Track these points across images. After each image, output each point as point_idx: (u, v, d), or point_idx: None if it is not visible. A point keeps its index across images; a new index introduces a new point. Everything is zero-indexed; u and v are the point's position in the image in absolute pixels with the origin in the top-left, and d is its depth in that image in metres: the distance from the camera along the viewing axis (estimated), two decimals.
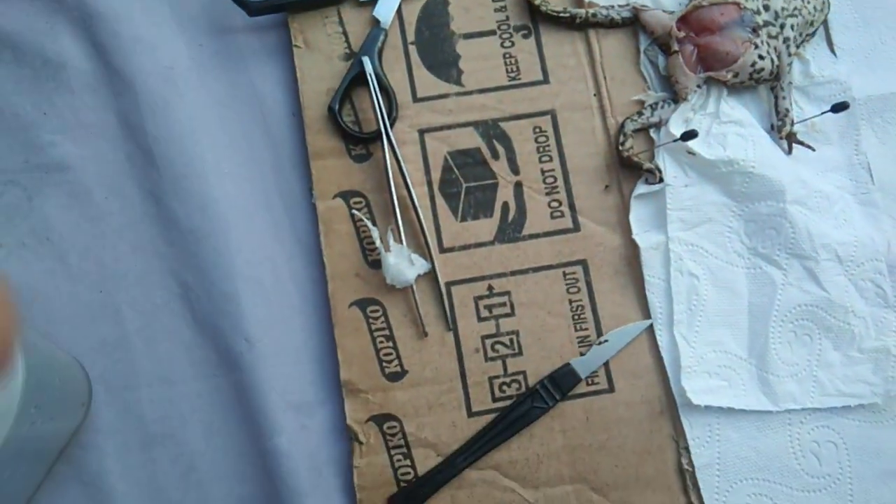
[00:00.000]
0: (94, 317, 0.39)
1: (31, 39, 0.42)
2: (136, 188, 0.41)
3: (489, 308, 0.41)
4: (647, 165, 0.42)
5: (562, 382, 0.40)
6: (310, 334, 0.40)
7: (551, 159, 0.43)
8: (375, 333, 0.40)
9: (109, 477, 0.38)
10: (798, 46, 0.44)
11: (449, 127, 0.43)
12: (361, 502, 0.38)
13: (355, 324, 0.40)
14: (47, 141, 0.41)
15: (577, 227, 0.42)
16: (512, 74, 0.44)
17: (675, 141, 0.41)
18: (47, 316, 0.39)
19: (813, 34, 0.44)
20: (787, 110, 0.43)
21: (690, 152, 0.41)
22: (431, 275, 0.41)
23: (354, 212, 0.41)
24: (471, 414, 0.40)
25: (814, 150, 0.43)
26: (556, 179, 0.43)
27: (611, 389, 0.40)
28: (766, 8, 0.42)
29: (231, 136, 0.43)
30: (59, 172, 0.41)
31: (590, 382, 0.40)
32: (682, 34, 0.43)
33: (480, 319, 0.41)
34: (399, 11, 0.44)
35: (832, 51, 0.45)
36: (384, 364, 0.40)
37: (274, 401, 0.38)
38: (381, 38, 0.43)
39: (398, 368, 0.40)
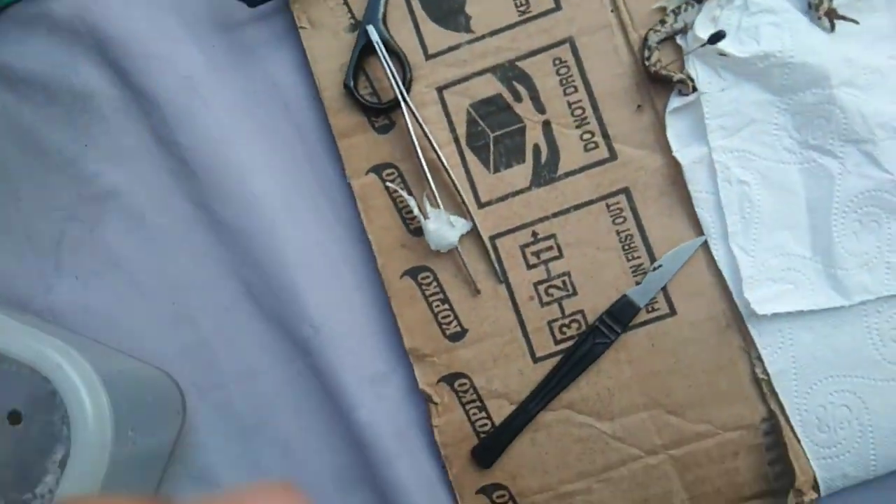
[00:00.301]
0: (172, 327, 0.42)
1: (58, 75, 0.44)
2: (184, 200, 0.43)
3: (537, 254, 0.41)
4: (677, 76, 0.40)
5: (621, 315, 0.40)
6: (369, 309, 0.42)
7: (576, 90, 0.41)
8: (431, 299, 0.41)
9: (216, 468, 0.41)
10: None
11: (466, 78, 0.42)
12: (447, 458, 0.41)
13: (409, 293, 0.41)
14: (93, 171, 0.43)
15: (613, 156, 0.41)
16: (521, 8, 0.42)
17: (703, 45, 0.39)
18: (130, 335, 0.42)
19: None
20: None
21: (722, 54, 0.39)
22: (474, 232, 0.41)
23: (388, 184, 0.42)
24: (536, 360, 0.40)
25: (858, 22, 0.39)
26: (584, 110, 0.41)
27: (672, 313, 0.40)
28: None
29: (258, 129, 0.44)
30: (112, 200, 0.43)
31: (650, 310, 0.40)
32: None
33: (530, 267, 0.41)
34: None
35: None
36: (444, 326, 0.41)
37: (348, 378, 0.40)
38: (383, 1, 0.42)
39: (458, 328, 0.41)
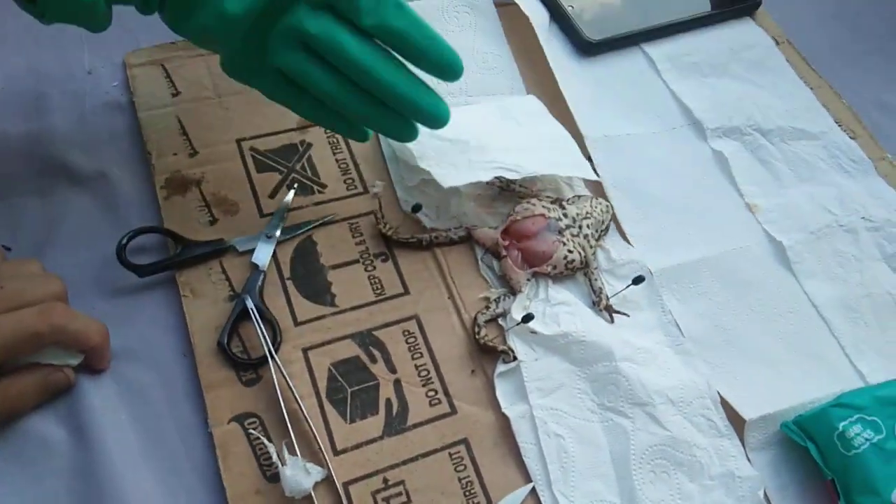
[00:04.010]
0: None
1: None
2: (38, 445, 0.43)
3: (387, 500, 0.44)
4: (501, 348, 0.49)
5: None
6: None
7: (422, 355, 0.50)
8: None
9: None
10: (597, 239, 0.56)
11: (329, 342, 0.49)
12: None
13: None
14: None
15: (454, 411, 0.48)
16: (378, 291, 0.52)
17: (518, 324, 0.50)
18: None
19: (607, 229, 0.57)
20: (601, 289, 0.53)
21: (532, 331, 0.50)
22: (329, 479, 0.44)
23: (251, 432, 0.45)
24: None
25: (628, 315, 0.53)
26: (429, 372, 0.49)
27: None
28: (565, 215, 0.55)
29: (126, 383, 0.46)
30: None
31: None
32: (506, 242, 0.53)
33: None
34: (275, 255, 0.52)
35: (626, 240, 0.58)
36: None
37: None
38: (261, 278, 0.50)
39: None
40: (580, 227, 0.54)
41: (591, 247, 0.54)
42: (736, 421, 0.49)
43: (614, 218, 0.58)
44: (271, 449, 0.43)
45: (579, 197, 0.57)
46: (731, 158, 0.63)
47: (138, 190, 0.54)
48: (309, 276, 0.52)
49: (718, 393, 0.50)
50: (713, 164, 0.64)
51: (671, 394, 0.49)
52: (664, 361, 0.51)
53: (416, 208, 0.54)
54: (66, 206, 0.52)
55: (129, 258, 0.49)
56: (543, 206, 0.55)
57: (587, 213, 0.55)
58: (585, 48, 0.68)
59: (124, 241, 0.49)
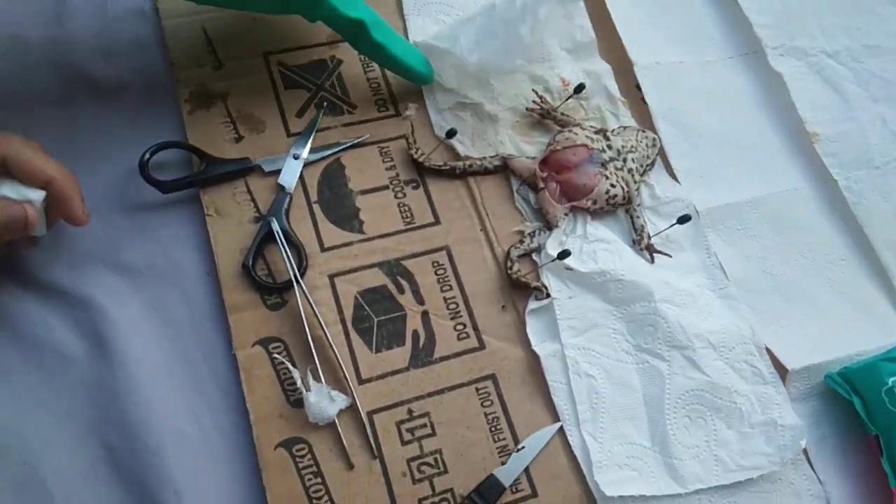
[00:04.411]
0: (19, 491, 0.38)
1: None
2: (59, 359, 0.42)
3: (411, 431, 0.43)
4: (534, 284, 0.47)
5: (488, 494, 0.41)
6: (237, 481, 0.41)
7: (451, 288, 0.48)
8: (303, 472, 0.41)
9: None
10: (642, 174, 0.52)
11: (356, 270, 0.47)
12: None
13: (283, 464, 0.41)
14: None
15: (482, 346, 0.46)
16: (407, 219, 0.49)
17: (553, 260, 0.47)
18: None
19: (652, 164, 0.53)
20: (643, 226, 0.50)
21: (568, 268, 0.48)
22: (353, 408, 0.43)
23: (275, 356, 0.44)
24: None
25: (671, 256, 0.50)
26: (458, 305, 0.47)
27: (534, 494, 0.42)
28: (609, 147, 0.51)
29: (149, 300, 0.45)
30: None
31: (514, 490, 0.42)
32: (544, 174, 0.50)
33: (404, 443, 0.43)
34: (301, 177, 0.50)
35: (672, 175, 0.54)
36: (314, 501, 0.40)
37: None
38: (287, 200, 0.48)
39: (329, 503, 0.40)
40: (625, 160, 0.51)
41: (634, 182, 0.51)
42: (777, 370, 0.47)
43: (661, 152, 0.54)
44: (296, 374, 0.42)
45: (625, 128, 0.53)
46: (791, 81, 0.58)
47: (161, 102, 0.52)
48: (336, 201, 0.49)
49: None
50: (771, 95, 0.59)
51: (712, 338, 0.47)
52: (706, 304, 0.49)
53: (451, 133, 0.51)
54: (87, 117, 0.50)
55: (151, 173, 0.47)
56: (586, 136, 0.51)
57: (633, 145, 0.52)
58: None
59: (147, 155, 0.47)
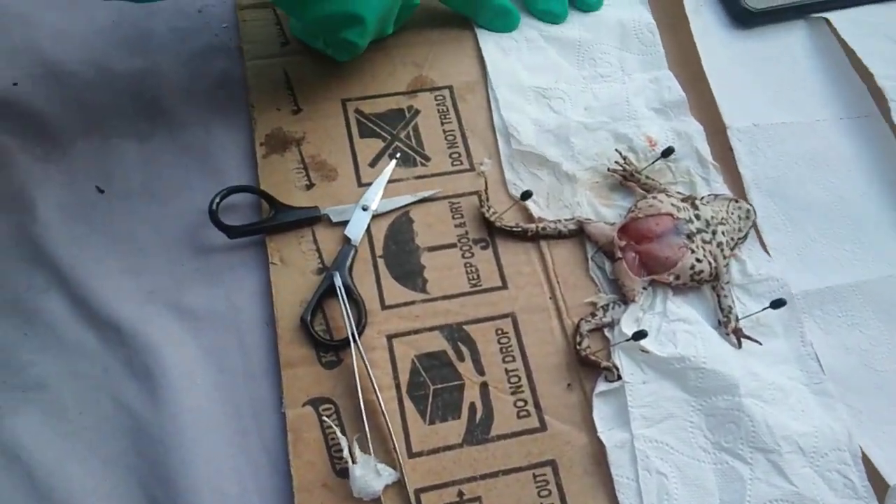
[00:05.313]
0: None
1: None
2: (111, 401, 0.42)
3: None
4: (604, 364, 0.44)
5: None
6: None
7: (514, 359, 0.45)
8: None
9: None
10: (732, 249, 0.48)
11: (416, 332, 0.45)
12: None
13: None
14: (26, 360, 0.43)
15: (543, 427, 0.43)
16: (473, 281, 0.47)
17: (627, 340, 0.43)
18: None
19: (744, 238, 0.49)
20: (731, 307, 0.46)
21: (644, 350, 0.44)
22: (400, 483, 0.41)
23: (324, 419, 0.42)
24: None
25: (761, 343, 0.45)
26: (520, 379, 0.44)
27: None
28: (698, 217, 0.47)
29: (205, 346, 0.45)
30: (36, 391, 0.42)
31: None
32: (623, 243, 0.47)
33: None
34: (368, 229, 0.48)
35: (766, 251, 0.50)
36: None
37: None
38: (352, 254, 0.47)
39: None
40: (713, 232, 0.47)
41: (724, 257, 0.47)
42: (877, 483, 0.42)
43: (755, 225, 0.50)
44: (343, 442, 0.40)
45: (716, 196, 0.49)
46: None
47: (236, 142, 0.51)
48: (402, 256, 0.48)
49: (860, 447, 0.42)
50: (886, 162, 0.53)
51: (802, 441, 0.42)
52: (798, 402, 0.44)
53: (526, 195, 0.48)
54: (162, 153, 0.51)
55: (220, 216, 0.47)
56: (672, 204, 0.47)
57: (724, 217, 0.48)
58: (743, 18, 0.58)
59: (217, 199, 0.47)
